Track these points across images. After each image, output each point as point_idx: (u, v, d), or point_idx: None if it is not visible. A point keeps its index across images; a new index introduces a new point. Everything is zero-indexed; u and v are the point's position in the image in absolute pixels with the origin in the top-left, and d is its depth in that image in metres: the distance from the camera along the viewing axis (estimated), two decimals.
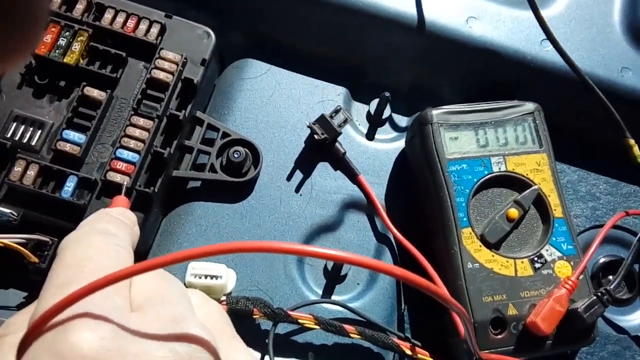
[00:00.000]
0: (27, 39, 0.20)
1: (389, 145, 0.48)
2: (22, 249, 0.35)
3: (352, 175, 0.46)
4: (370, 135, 0.48)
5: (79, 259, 0.26)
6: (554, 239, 0.40)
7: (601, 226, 0.43)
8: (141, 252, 0.40)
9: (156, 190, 0.39)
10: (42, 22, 0.20)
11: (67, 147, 0.38)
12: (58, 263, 0.26)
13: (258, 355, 0.39)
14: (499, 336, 0.38)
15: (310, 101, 0.48)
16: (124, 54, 0.41)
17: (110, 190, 0.38)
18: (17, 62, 0.20)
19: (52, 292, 0.24)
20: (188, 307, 0.27)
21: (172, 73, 0.41)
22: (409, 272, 0.23)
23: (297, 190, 0.45)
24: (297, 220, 0.44)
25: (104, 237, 0.29)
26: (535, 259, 0.40)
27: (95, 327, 0.22)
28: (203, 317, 0.27)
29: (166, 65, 0.42)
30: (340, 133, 0.44)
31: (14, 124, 0.39)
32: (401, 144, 0.47)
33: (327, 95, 0.48)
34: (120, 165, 0.38)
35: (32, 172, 0.37)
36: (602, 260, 0.45)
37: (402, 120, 0.49)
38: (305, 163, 0.46)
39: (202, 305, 0.29)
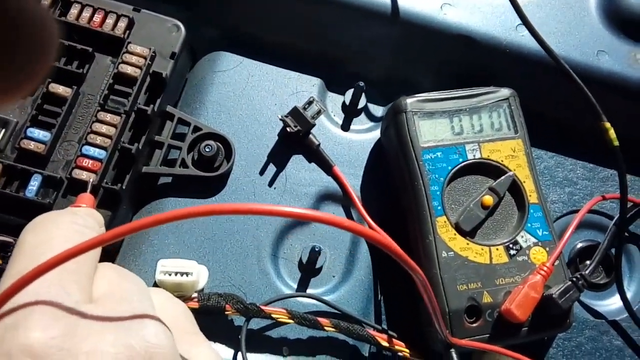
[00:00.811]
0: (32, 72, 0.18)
1: (365, 135, 0.47)
2: None
3: (326, 166, 0.45)
4: (345, 126, 0.47)
5: (39, 244, 0.26)
6: (529, 225, 0.40)
7: (578, 211, 0.42)
8: (110, 251, 0.40)
9: (124, 187, 0.38)
10: (51, 55, 0.19)
11: (32, 146, 0.38)
12: (18, 248, 0.26)
13: (230, 351, 0.38)
14: (474, 324, 0.37)
15: (284, 93, 0.47)
16: (90, 49, 0.41)
17: (76, 188, 0.37)
18: (20, 97, 0.19)
19: (8, 283, 0.23)
20: (146, 303, 0.26)
21: (140, 67, 0.41)
22: (354, 223, 0.23)
23: (271, 183, 0.44)
24: None
25: (71, 217, 0.28)
26: (511, 245, 0.39)
27: (46, 325, 0.22)
28: (164, 314, 0.26)
29: (134, 59, 0.41)
30: (314, 125, 0.44)
31: None
32: (377, 134, 0.47)
33: (302, 87, 0.47)
34: (87, 163, 0.38)
35: None
36: (579, 245, 0.45)
37: (378, 110, 0.49)
38: (279, 156, 0.45)
39: (164, 303, 0.29)
